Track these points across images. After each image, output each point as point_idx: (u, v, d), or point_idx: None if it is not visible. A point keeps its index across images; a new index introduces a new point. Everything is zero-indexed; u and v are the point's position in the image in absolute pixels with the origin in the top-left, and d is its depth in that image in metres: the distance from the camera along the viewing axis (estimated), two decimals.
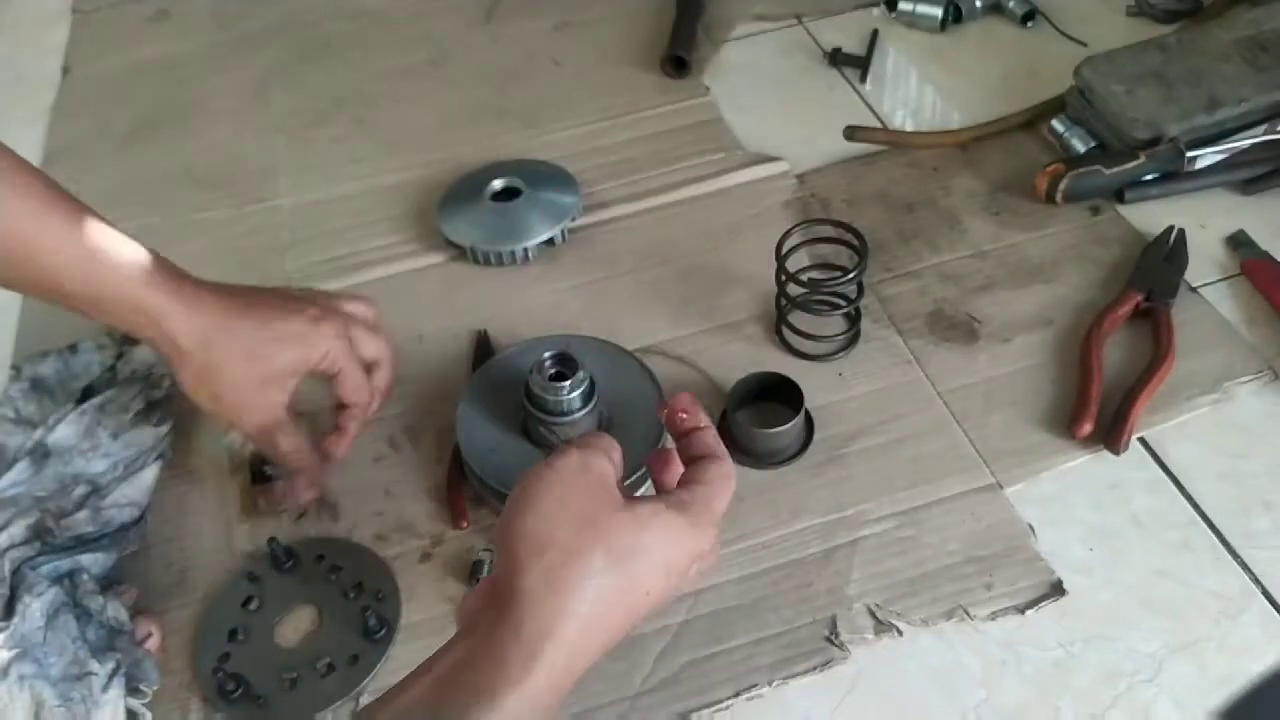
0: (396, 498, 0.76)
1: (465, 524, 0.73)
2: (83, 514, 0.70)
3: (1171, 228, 0.87)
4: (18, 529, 0.67)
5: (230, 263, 0.96)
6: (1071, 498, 0.71)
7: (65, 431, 0.75)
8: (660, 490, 0.59)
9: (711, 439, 0.57)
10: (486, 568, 0.70)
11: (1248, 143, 0.90)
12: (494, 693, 0.45)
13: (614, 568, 0.48)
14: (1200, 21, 1.05)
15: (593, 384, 0.70)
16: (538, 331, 0.84)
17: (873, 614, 0.66)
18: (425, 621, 0.69)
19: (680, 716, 0.63)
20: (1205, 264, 0.85)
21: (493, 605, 0.48)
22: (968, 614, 0.66)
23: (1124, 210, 0.90)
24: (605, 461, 0.52)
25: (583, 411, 0.70)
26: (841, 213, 0.92)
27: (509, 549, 0.49)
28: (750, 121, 1.04)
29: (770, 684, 0.64)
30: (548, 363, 0.70)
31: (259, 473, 0.76)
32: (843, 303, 0.81)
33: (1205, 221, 0.88)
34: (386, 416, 0.80)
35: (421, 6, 1.27)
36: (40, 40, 1.29)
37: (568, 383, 0.69)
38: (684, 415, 0.58)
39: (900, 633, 0.65)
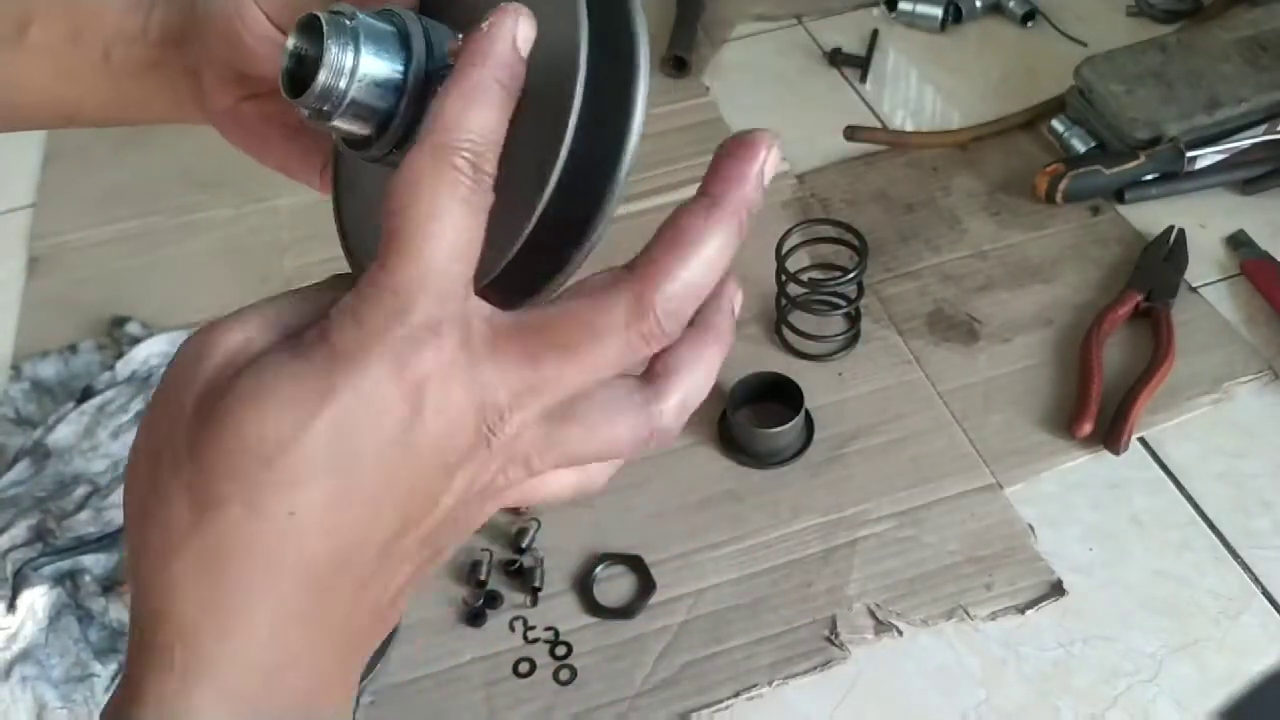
0: None
1: None
2: (84, 514, 0.70)
3: (1171, 228, 0.87)
4: (19, 530, 0.67)
5: (229, 263, 0.96)
6: (1071, 498, 0.71)
7: (65, 431, 0.75)
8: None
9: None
10: (485, 567, 0.70)
11: (1248, 143, 0.90)
12: None
13: (205, 526, 0.27)
14: (1200, 21, 1.05)
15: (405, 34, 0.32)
16: None
17: (873, 614, 0.66)
18: (425, 622, 0.69)
19: (680, 716, 0.63)
20: (1205, 264, 0.85)
21: None
22: (968, 614, 0.66)
23: (1124, 210, 0.90)
24: (202, 343, 0.29)
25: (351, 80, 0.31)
26: (841, 213, 0.92)
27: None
28: (750, 121, 1.04)
29: (770, 684, 0.64)
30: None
31: None
32: (843, 303, 0.81)
33: (1205, 221, 0.88)
34: None
35: None
36: None
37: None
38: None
39: (900, 633, 0.65)
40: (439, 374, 0.28)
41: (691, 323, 0.32)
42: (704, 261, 0.31)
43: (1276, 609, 0.65)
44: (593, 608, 0.68)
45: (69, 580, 0.66)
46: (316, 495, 0.27)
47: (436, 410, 0.28)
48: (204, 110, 0.45)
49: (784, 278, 0.80)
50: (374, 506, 0.28)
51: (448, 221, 0.28)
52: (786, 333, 0.82)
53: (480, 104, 0.29)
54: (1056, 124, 0.97)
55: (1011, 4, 1.12)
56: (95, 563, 0.67)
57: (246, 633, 0.28)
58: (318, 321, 0.29)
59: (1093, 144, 0.94)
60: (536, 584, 0.69)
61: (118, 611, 0.66)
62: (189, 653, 0.27)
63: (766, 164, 0.32)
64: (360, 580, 0.29)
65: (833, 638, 0.65)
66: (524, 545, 0.71)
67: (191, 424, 0.28)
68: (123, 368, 0.81)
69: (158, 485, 0.28)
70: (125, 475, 0.30)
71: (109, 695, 0.30)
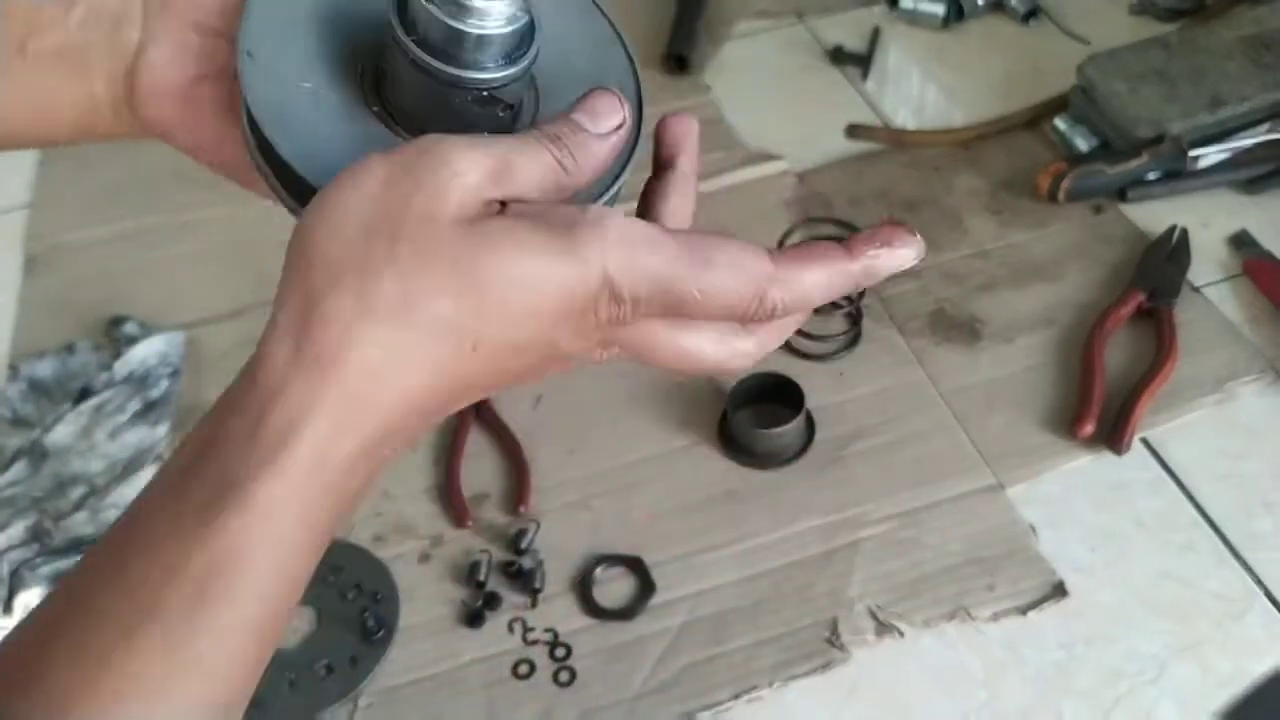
0: (395, 498, 0.75)
1: (469, 523, 0.73)
2: (81, 515, 0.70)
3: (1174, 227, 0.86)
4: (16, 530, 0.67)
5: (227, 262, 0.96)
6: (1073, 498, 0.71)
7: (62, 432, 0.75)
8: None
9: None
10: (484, 568, 0.70)
11: (1250, 142, 0.89)
12: (238, 484, 0.32)
13: (413, 309, 0.32)
14: (1203, 20, 1.05)
15: (533, 24, 0.36)
16: None
17: (874, 615, 0.66)
18: (424, 623, 0.68)
19: (680, 718, 0.63)
20: (1208, 264, 0.85)
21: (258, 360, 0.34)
22: (969, 615, 0.65)
23: (1126, 209, 0.90)
24: (447, 170, 0.32)
25: (509, 67, 0.35)
26: (842, 211, 0.92)
27: (283, 277, 0.35)
28: (751, 120, 1.04)
29: (771, 685, 0.64)
30: None
31: None
32: (844, 302, 0.81)
33: (1208, 221, 0.88)
34: None
35: None
36: None
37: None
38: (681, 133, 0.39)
39: (901, 634, 0.65)
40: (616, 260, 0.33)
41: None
42: (825, 289, 0.36)
43: (1279, 610, 0.65)
44: (592, 609, 0.68)
45: None
46: (517, 345, 0.34)
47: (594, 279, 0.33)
48: (132, 109, 0.43)
49: None
50: (558, 360, 0.35)
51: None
52: None
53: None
54: (1059, 122, 0.97)
55: (1014, 1, 1.12)
56: None
57: (359, 415, 0.33)
58: (555, 203, 0.34)
59: (1095, 143, 0.94)
60: (536, 585, 0.69)
61: None
62: (309, 431, 0.32)
63: (905, 257, 0.38)
64: (485, 391, 0.36)
65: (834, 639, 0.65)
66: (523, 546, 0.71)
67: (450, 235, 0.32)
68: (120, 368, 0.81)
69: (364, 255, 0.32)
70: (318, 227, 0.34)
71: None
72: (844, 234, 0.80)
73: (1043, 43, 1.10)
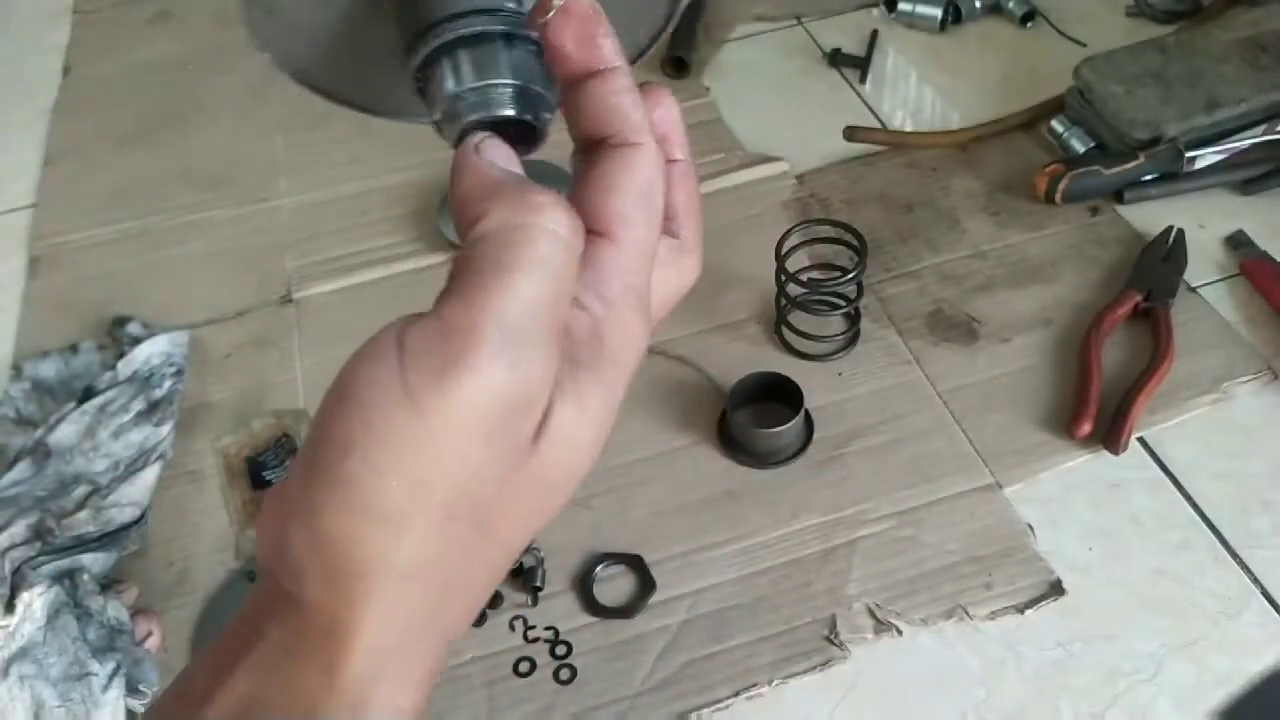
0: None
1: None
2: (83, 514, 0.70)
3: (1171, 228, 0.87)
4: (18, 529, 0.67)
5: (230, 263, 0.96)
6: (1071, 497, 0.71)
7: (66, 431, 0.75)
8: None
9: (628, 102, 0.33)
10: None
11: (1247, 143, 0.90)
12: None
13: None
14: (1199, 22, 1.05)
15: None
16: None
17: (872, 613, 0.66)
18: None
19: (680, 716, 0.63)
20: (1204, 264, 0.85)
21: (282, 590, 0.30)
22: (967, 613, 0.66)
23: (1123, 210, 0.90)
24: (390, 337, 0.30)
25: None
26: (841, 213, 0.92)
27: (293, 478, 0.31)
28: (750, 122, 1.04)
29: (770, 683, 0.64)
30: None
31: (259, 478, 0.76)
32: (842, 303, 0.81)
33: (1204, 222, 0.88)
34: None
35: None
36: (41, 40, 1.29)
37: None
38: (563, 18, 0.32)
39: (900, 632, 0.65)
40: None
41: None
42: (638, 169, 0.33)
43: (1276, 609, 0.65)
44: (593, 607, 0.68)
45: (67, 579, 0.66)
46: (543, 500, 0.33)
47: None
48: None
49: (784, 278, 0.80)
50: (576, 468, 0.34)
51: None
52: (786, 333, 0.82)
53: None
54: (1056, 124, 0.97)
55: (1011, 4, 1.13)
56: (94, 561, 0.67)
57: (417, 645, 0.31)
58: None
59: (1092, 144, 0.94)
60: (537, 583, 0.69)
61: (116, 610, 0.66)
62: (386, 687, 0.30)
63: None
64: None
65: (832, 637, 0.65)
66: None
67: (400, 411, 0.29)
68: (124, 368, 0.81)
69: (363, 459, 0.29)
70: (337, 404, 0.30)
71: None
72: (842, 234, 0.81)
73: (1039, 45, 1.10)
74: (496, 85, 0.34)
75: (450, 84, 0.34)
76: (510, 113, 0.34)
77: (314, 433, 0.30)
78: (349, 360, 0.30)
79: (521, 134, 0.35)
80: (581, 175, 0.34)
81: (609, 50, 0.33)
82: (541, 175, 0.31)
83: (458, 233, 0.32)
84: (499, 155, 0.32)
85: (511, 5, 0.34)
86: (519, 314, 0.29)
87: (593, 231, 0.32)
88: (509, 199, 0.30)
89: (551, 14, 0.32)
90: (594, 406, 0.32)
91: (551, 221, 0.30)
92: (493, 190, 0.31)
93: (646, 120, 0.34)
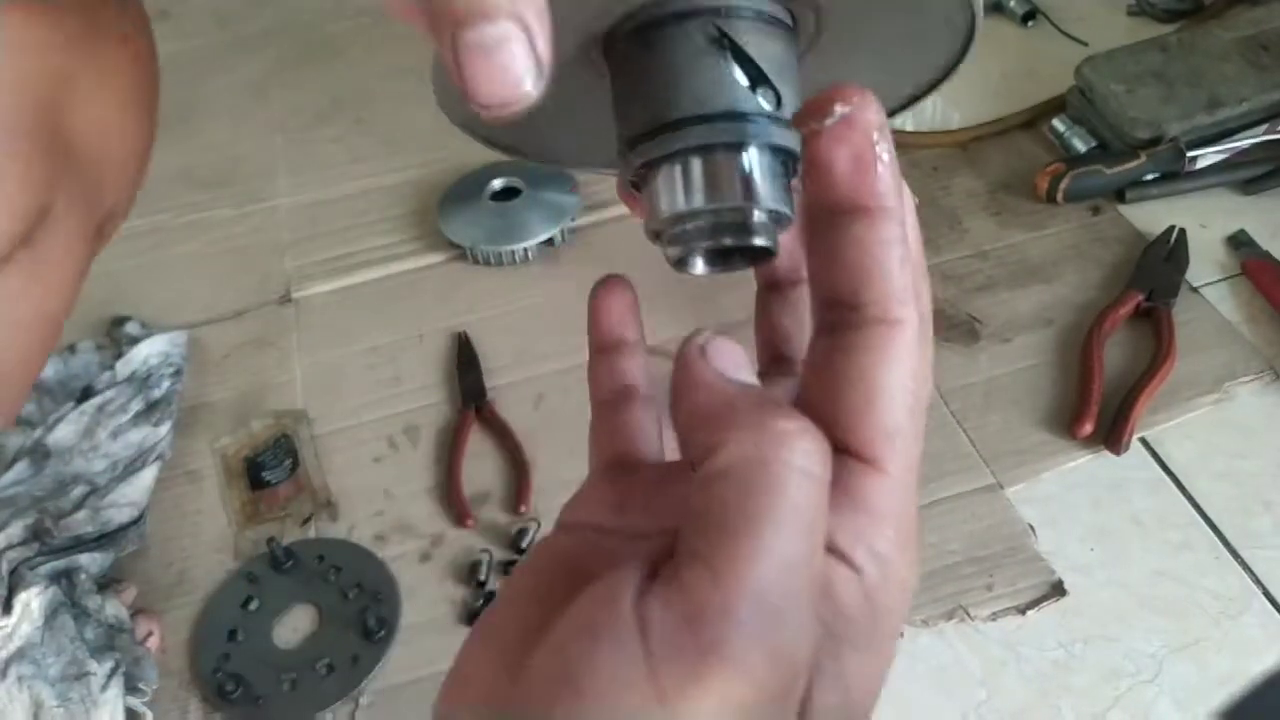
0: (396, 498, 0.75)
1: (470, 522, 0.73)
2: (81, 514, 0.70)
3: (1172, 227, 0.86)
4: (16, 529, 0.67)
5: (229, 262, 0.96)
6: (1072, 498, 0.71)
7: (64, 431, 0.75)
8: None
9: (895, 260, 0.28)
10: (485, 568, 0.70)
11: (1248, 142, 0.90)
12: None
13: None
14: (1201, 21, 1.05)
15: None
16: (538, 330, 0.84)
17: None
18: (425, 622, 0.69)
19: None
20: (1206, 264, 0.85)
21: None
22: (968, 614, 0.66)
23: (1125, 210, 0.90)
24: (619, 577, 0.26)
25: None
26: None
27: None
28: None
29: None
30: None
31: (258, 478, 0.76)
32: None
33: (1206, 221, 0.88)
34: (386, 416, 0.80)
35: None
36: None
37: None
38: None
39: (901, 633, 0.65)
40: None
41: None
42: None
43: (1277, 609, 0.65)
44: None
45: (65, 579, 0.65)
46: None
47: None
48: None
49: None
50: None
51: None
52: None
53: None
54: (1057, 123, 0.97)
55: (1012, 3, 1.12)
56: (92, 561, 0.67)
57: None
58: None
59: (1093, 144, 0.94)
60: None
61: (114, 609, 0.65)
62: None
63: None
64: None
65: None
66: (524, 546, 0.71)
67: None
68: (122, 368, 0.81)
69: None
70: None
71: None
72: None
73: (1041, 44, 1.10)
74: (736, 209, 0.28)
75: (680, 199, 0.28)
76: (758, 242, 0.28)
77: None
78: (574, 631, 0.25)
79: (749, 254, 0.29)
80: (819, 361, 0.27)
81: (887, 183, 0.26)
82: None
83: (684, 453, 0.26)
84: (729, 362, 0.27)
85: (767, 106, 0.28)
86: (774, 582, 0.24)
87: (848, 452, 0.26)
88: (749, 426, 0.25)
89: (830, 121, 0.25)
90: (860, 688, 0.26)
91: (802, 456, 0.24)
92: (728, 413, 0.25)
93: (913, 286, 0.27)
